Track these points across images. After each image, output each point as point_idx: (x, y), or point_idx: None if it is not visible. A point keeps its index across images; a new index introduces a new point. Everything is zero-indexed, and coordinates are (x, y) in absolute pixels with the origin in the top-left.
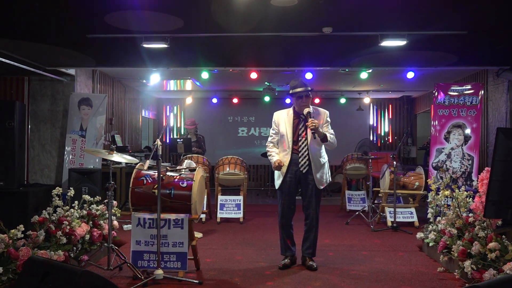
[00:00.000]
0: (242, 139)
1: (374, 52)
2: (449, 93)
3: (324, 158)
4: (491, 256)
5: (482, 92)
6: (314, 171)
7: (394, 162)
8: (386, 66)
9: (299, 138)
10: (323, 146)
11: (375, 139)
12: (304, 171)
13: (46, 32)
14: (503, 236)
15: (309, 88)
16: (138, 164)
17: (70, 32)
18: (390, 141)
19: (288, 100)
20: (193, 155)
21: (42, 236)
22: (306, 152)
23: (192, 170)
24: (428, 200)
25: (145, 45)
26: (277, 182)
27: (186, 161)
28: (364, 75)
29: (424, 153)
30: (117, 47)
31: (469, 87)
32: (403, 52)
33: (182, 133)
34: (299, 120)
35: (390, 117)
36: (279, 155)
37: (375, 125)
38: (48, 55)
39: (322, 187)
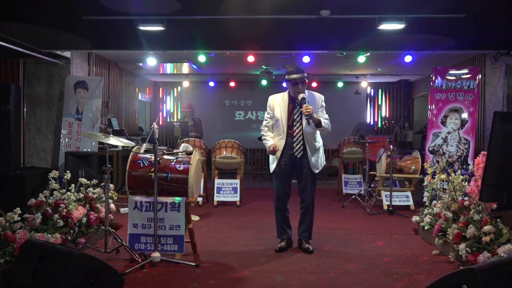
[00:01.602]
0: (239, 123)
1: (372, 35)
2: (447, 77)
3: (319, 142)
4: (485, 239)
5: (480, 76)
6: (309, 156)
7: (391, 146)
8: (384, 50)
9: (294, 123)
10: (318, 131)
11: (372, 123)
12: (298, 156)
13: (41, 14)
14: (498, 220)
15: (305, 75)
16: (135, 147)
17: (65, 14)
18: (387, 125)
19: (285, 84)
20: (189, 138)
21: (39, 219)
22: (301, 137)
23: (189, 153)
24: (424, 184)
25: (141, 28)
26: (272, 166)
27: (183, 144)
28: (361, 58)
29: (421, 137)
30: (113, 29)
31: (466, 71)
32: (401, 35)
33: (179, 116)
34: (294, 105)
35: (387, 101)
36: (274, 139)
37: (372, 109)
38: (43, 37)
39: (317, 171)
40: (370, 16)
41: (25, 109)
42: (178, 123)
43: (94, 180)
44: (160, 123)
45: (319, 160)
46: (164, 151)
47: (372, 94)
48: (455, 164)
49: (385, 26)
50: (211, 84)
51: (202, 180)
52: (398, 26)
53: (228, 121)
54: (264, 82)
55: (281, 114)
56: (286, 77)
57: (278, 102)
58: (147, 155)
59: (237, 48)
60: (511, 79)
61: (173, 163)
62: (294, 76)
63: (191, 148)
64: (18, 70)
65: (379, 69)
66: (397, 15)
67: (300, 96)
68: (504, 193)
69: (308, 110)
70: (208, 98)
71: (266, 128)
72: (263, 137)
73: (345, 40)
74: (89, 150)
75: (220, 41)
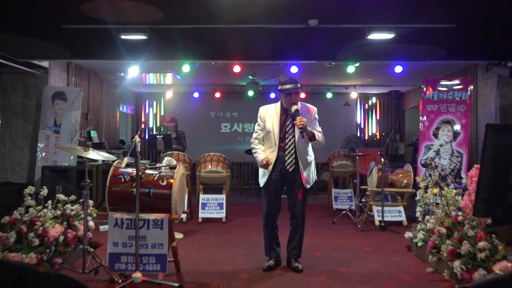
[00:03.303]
0: (224, 135)
1: (362, 45)
2: (438, 88)
3: (311, 156)
4: (480, 256)
5: (472, 87)
6: (301, 170)
7: (382, 159)
8: (374, 60)
9: (286, 136)
10: (310, 144)
11: (362, 136)
12: (290, 170)
13: (18, 22)
14: (493, 235)
15: (299, 85)
16: (116, 161)
17: (44, 22)
18: (378, 137)
19: (272, 95)
20: (173, 152)
21: (13, 238)
22: (293, 150)
23: (173, 167)
24: (417, 199)
25: (123, 37)
26: (262, 180)
27: (166, 158)
28: (351, 69)
29: (413, 149)
30: (94, 38)
31: (458, 82)
32: (391, 45)
33: (162, 129)
34: (287, 116)
35: (378, 112)
36: (265, 152)
37: (362, 121)
38: (20, 46)
39: (308, 186)
40: (359, 26)
41: None
42: (161, 136)
43: (72, 196)
44: (142, 136)
45: (311, 175)
46: (147, 165)
47: (362, 105)
48: (448, 177)
49: (375, 36)
50: (196, 95)
51: (186, 195)
52: (387, 36)
53: (214, 134)
54: (251, 93)
55: (273, 125)
56: (279, 87)
57: (269, 113)
58: (129, 170)
59: (222, 57)
60: (503, 90)
61: (156, 178)
62: (288, 86)
63: (174, 162)
64: None
65: (369, 80)
66: (387, 24)
67: (294, 107)
68: (498, 207)
69: (302, 122)
70: (193, 110)
71: (257, 141)
72: (253, 150)
73: (333, 50)
74: (67, 164)
75: (204, 50)
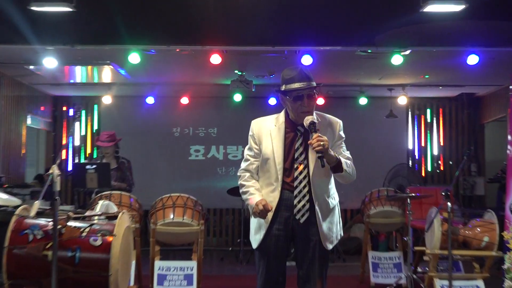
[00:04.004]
0: (196, 165)
1: (414, 22)
2: None
3: (334, 199)
4: None
5: None
6: (318, 221)
7: (449, 204)
8: (433, 46)
9: (295, 165)
10: (332, 179)
11: (416, 165)
12: (302, 220)
13: None
14: None
15: (314, 84)
16: (20, 207)
17: None
18: (442, 168)
19: (273, 100)
20: (113, 192)
21: None
22: (306, 189)
23: (112, 218)
24: (505, 267)
25: (35, 8)
26: (256, 238)
27: (101, 202)
28: (397, 59)
29: (498, 188)
30: None
31: None
32: (460, 23)
33: (95, 155)
34: (295, 134)
35: (441, 128)
36: (261, 192)
37: (416, 141)
38: None
39: (330, 246)
40: None
41: None
42: (94, 167)
43: None
44: (64, 166)
45: (333, 228)
46: (70, 213)
47: (415, 117)
48: None
49: (434, 8)
50: (150, 100)
51: (134, 262)
52: (454, 7)
53: (178, 163)
54: (238, 98)
55: (274, 149)
56: (283, 87)
57: (268, 130)
58: (41, 221)
59: (193, 41)
60: None
61: (84, 234)
62: (297, 85)
63: (115, 209)
64: None
65: (426, 76)
66: None
67: (307, 119)
68: None
69: (322, 142)
70: (145, 124)
71: (248, 174)
72: (242, 189)
73: (369, 31)
74: None
75: (164, 31)
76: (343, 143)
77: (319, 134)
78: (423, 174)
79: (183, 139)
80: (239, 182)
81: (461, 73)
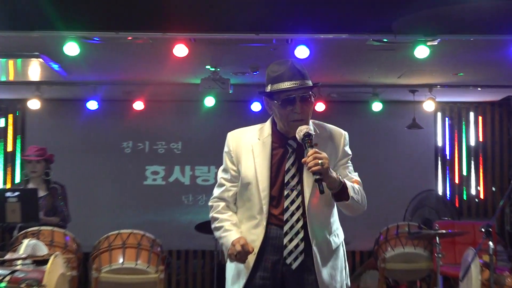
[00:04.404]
0: (154, 192)
1: (444, 2)
2: None
3: (338, 237)
4: None
5: None
6: (317, 266)
7: (491, 244)
8: (469, 33)
9: (285, 192)
10: (335, 209)
11: (448, 193)
12: (295, 265)
13: None
14: None
15: (310, 83)
16: None
17: None
18: (482, 196)
19: (257, 106)
20: (41, 228)
21: None
22: (301, 223)
23: (41, 262)
24: None
25: None
26: None
27: (26, 241)
28: (422, 51)
29: None
30: None
31: None
32: (504, 3)
33: (19, 179)
34: (285, 150)
35: (481, 143)
36: (240, 228)
37: (448, 159)
38: None
39: None
40: None
41: None
42: (16, 194)
43: None
44: None
45: (337, 276)
46: None
47: (448, 126)
48: None
49: None
50: (92, 105)
51: None
52: None
53: (130, 189)
54: (209, 102)
55: (257, 171)
56: (269, 87)
57: (249, 146)
58: None
59: (151, 27)
60: None
61: (3, 284)
62: (287, 84)
63: (45, 250)
64: None
65: (460, 74)
66: None
67: (302, 130)
68: None
69: (321, 161)
70: (85, 137)
71: (223, 204)
72: (216, 223)
73: (385, 14)
74: None
75: (111, 13)
76: (349, 162)
77: (317, 150)
78: (456, 204)
79: (136, 157)
80: (210, 215)
81: (507, 70)
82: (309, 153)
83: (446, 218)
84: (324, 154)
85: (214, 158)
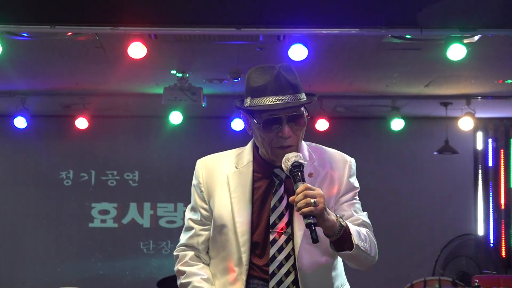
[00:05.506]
0: (102, 237)
1: None
2: None
3: None
4: None
5: None
6: None
7: None
8: None
9: (270, 236)
10: (339, 259)
11: (492, 237)
12: None
13: None
14: None
15: (303, 97)
16: None
17: None
18: None
19: (238, 123)
20: None
21: None
22: (291, 277)
23: None
24: None
25: None
26: None
27: None
28: (457, 51)
29: None
30: None
31: None
32: None
33: None
34: (271, 182)
35: None
36: (213, 285)
37: (491, 195)
38: None
39: None
40: None
41: None
42: None
43: None
44: None
45: None
46: None
47: (490, 151)
48: None
49: None
50: (20, 122)
51: None
52: None
53: (70, 233)
54: (176, 118)
55: (234, 210)
56: (248, 101)
57: (224, 176)
58: None
59: (99, 20)
60: None
61: None
62: (270, 100)
63: None
64: None
65: (507, 82)
66: None
67: (289, 159)
68: None
69: (314, 200)
70: (11, 165)
71: (192, 253)
72: (182, 279)
73: (406, 3)
74: None
75: (44, 0)
76: (356, 197)
77: (309, 185)
78: (502, 254)
79: (78, 191)
80: (176, 268)
81: None
82: (298, 190)
83: (489, 272)
84: (318, 191)
85: (181, 193)
